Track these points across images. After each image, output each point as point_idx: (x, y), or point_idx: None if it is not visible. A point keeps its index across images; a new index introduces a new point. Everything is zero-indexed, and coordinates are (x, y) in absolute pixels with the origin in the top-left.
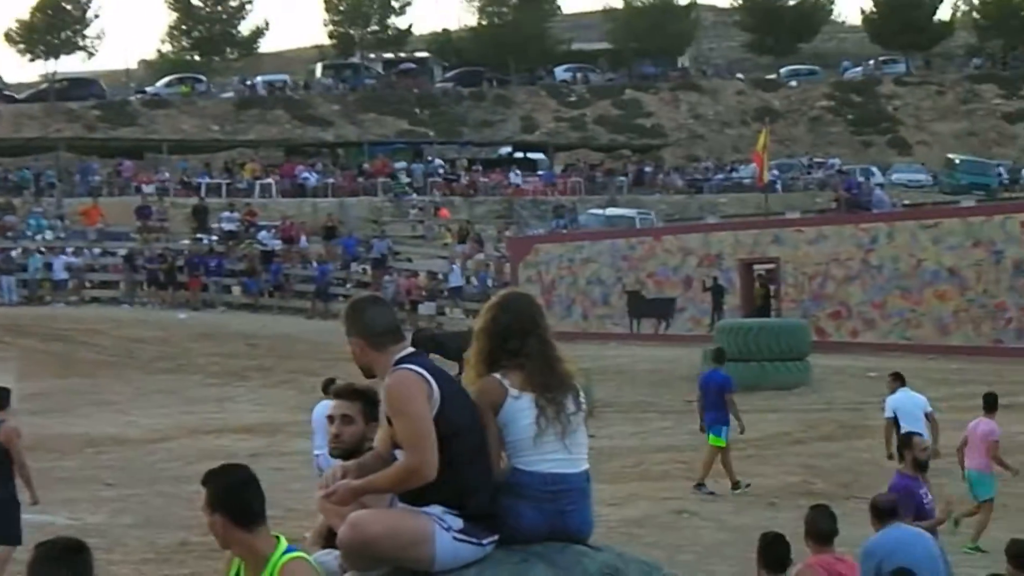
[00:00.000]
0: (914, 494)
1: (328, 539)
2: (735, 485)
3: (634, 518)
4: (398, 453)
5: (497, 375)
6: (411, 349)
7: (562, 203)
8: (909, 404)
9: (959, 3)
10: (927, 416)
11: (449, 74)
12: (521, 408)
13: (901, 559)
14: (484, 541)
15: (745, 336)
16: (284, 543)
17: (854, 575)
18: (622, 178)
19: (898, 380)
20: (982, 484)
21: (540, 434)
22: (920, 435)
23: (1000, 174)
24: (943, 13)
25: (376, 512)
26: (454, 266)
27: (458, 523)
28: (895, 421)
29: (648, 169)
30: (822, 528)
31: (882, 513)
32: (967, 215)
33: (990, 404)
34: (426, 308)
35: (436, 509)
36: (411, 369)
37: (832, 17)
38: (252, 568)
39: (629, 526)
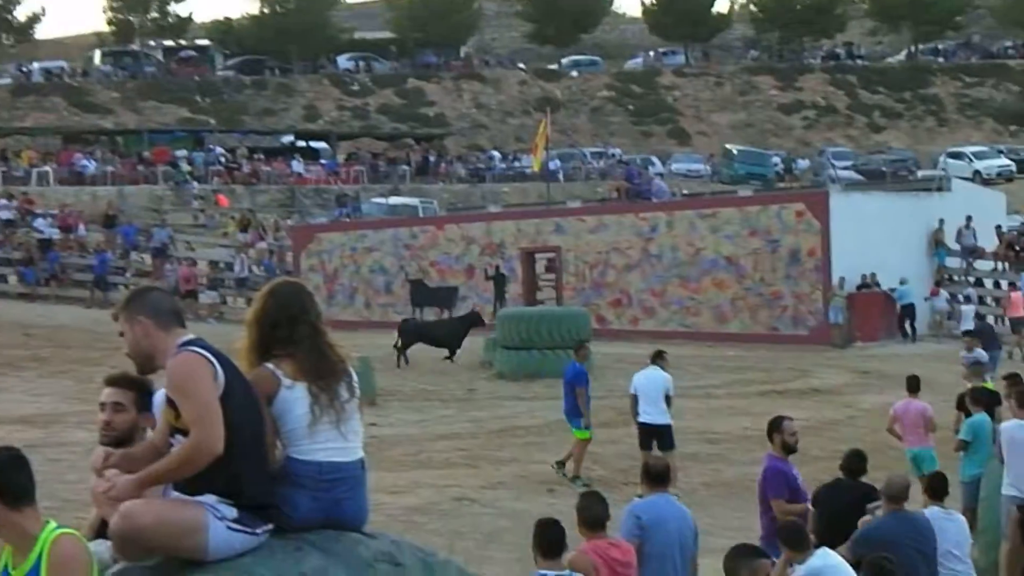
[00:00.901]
0: (787, 474)
1: (101, 530)
2: (561, 464)
3: (415, 506)
4: (175, 442)
5: (270, 365)
6: (194, 335)
7: (345, 192)
8: (648, 382)
9: None
10: (667, 397)
11: (230, 62)
12: (295, 397)
13: (659, 526)
14: (259, 530)
15: (527, 324)
16: (53, 523)
17: (628, 559)
18: (405, 167)
19: (654, 358)
20: (926, 461)
21: (314, 423)
22: (790, 418)
23: (776, 164)
24: (721, 6)
25: (148, 502)
26: (241, 256)
27: (232, 512)
28: (635, 397)
29: (431, 158)
30: (593, 514)
31: (653, 478)
32: (744, 205)
33: (914, 386)
34: (207, 297)
35: (210, 498)
36: (195, 351)
37: (612, 8)
38: (21, 550)
39: (410, 514)
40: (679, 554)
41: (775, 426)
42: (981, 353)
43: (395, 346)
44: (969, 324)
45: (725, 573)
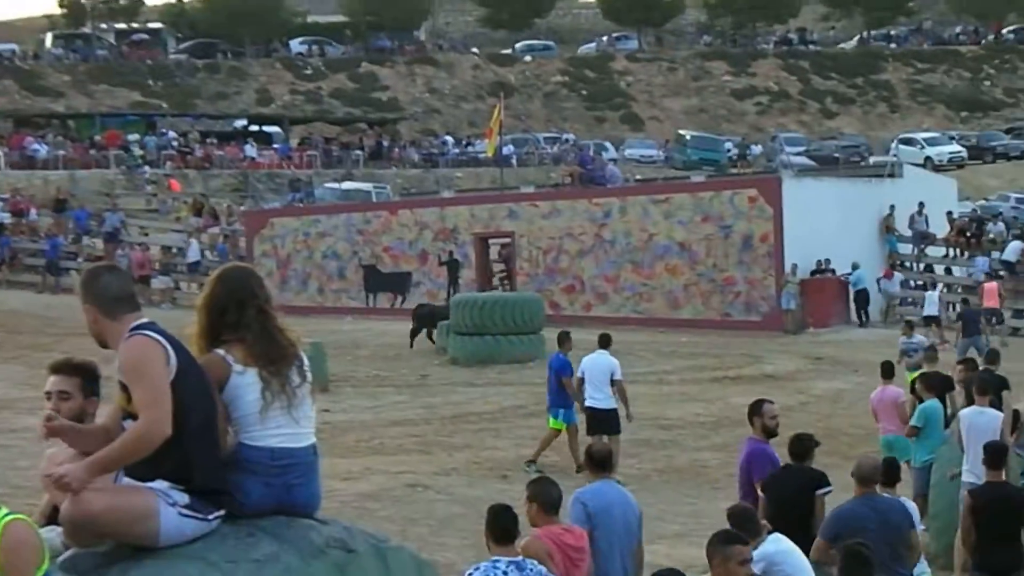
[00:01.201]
0: (770, 456)
1: (52, 516)
2: (579, 469)
3: (368, 492)
4: (127, 424)
5: (221, 351)
6: (147, 319)
7: (298, 177)
8: (594, 366)
9: None
10: (614, 381)
11: (183, 46)
12: (246, 383)
13: (605, 512)
14: (210, 516)
15: (480, 310)
16: (5, 509)
17: (581, 544)
18: (358, 152)
19: (601, 342)
20: (899, 448)
21: (266, 408)
22: (770, 402)
23: (729, 150)
24: None
25: (99, 488)
26: (193, 241)
27: (184, 498)
28: (582, 380)
29: (384, 143)
30: (551, 497)
31: (596, 464)
32: (697, 190)
33: (888, 372)
34: (159, 282)
35: (161, 484)
36: (147, 335)
37: None
38: None
39: (363, 500)
40: (625, 539)
41: (755, 409)
42: (921, 339)
43: (413, 332)
44: (933, 310)
45: (707, 559)
